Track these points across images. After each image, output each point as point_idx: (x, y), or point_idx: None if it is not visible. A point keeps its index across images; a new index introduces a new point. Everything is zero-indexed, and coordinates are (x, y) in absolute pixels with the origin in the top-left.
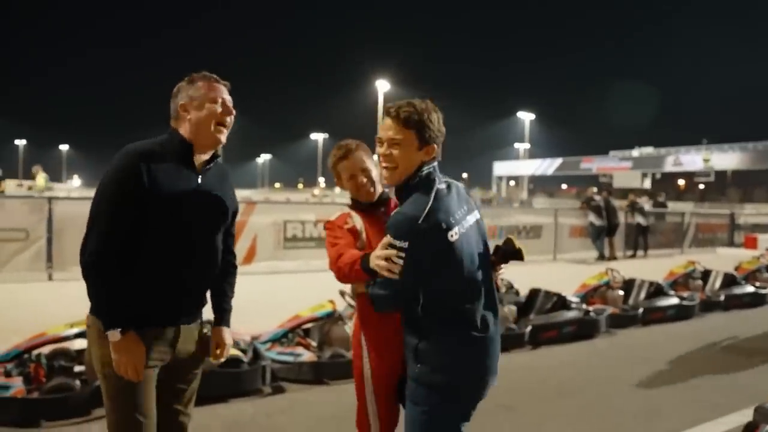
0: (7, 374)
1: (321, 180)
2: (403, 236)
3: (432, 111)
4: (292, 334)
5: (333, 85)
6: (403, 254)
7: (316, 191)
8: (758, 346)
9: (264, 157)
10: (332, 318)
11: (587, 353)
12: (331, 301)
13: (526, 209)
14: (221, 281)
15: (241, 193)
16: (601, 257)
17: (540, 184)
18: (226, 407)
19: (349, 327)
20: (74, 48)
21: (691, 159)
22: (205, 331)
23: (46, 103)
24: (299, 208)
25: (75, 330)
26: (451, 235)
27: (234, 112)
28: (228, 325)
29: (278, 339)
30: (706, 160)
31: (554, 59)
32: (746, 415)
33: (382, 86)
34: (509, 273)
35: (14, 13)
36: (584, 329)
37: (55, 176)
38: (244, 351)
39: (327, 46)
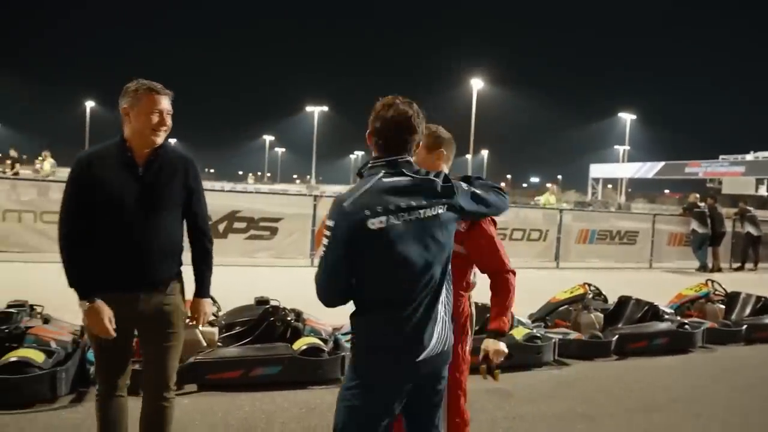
0: None
1: None
2: (331, 216)
3: (372, 109)
4: None
5: (427, 83)
6: (329, 233)
7: None
8: None
9: (357, 154)
10: None
11: (679, 368)
12: None
13: (622, 214)
14: (194, 257)
15: (332, 189)
16: (703, 268)
17: (639, 188)
18: (306, 393)
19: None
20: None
21: None
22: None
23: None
24: None
25: None
26: (372, 223)
27: (168, 123)
28: (205, 296)
29: None
30: None
31: (658, 56)
32: None
33: (477, 84)
34: (597, 279)
35: None
36: (677, 342)
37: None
38: (325, 341)
39: (420, 44)
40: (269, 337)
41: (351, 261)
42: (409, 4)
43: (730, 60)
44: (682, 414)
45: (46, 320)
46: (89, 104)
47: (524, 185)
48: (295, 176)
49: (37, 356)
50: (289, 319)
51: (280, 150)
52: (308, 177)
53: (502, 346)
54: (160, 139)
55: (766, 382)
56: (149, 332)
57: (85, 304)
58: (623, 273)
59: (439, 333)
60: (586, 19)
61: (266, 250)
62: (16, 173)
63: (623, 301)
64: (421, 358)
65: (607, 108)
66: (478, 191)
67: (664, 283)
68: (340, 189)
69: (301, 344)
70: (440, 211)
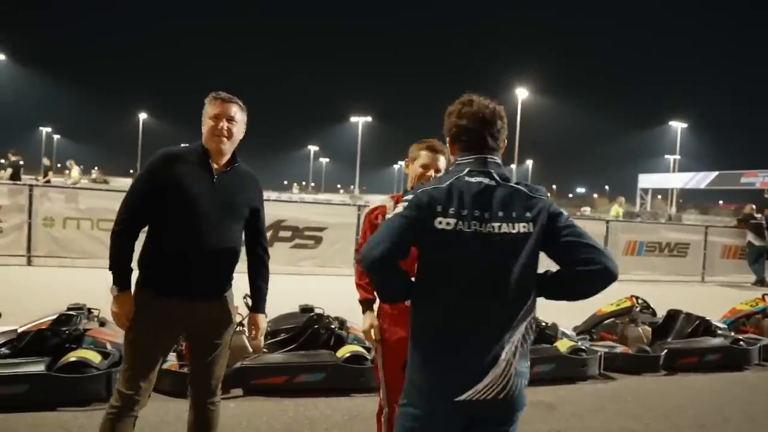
0: None
1: None
2: (406, 201)
3: (448, 113)
4: None
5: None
6: (405, 203)
7: None
8: None
9: (400, 164)
10: None
11: (732, 387)
12: None
13: (672, 225)
14: (253, 273)
15: (376, 198)
16: (761, 282)
17: (691, 199)
18: (348, 400)
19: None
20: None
21: None
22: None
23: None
24: None
25: None
26: (440, 222)
27: (226, 127)
28: (261, 312)
29: None
30: None
31: (712, 61)
32: None
33: (521, 94)
34: (645, 292)
35: None
36: (731, 359)
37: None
38: (368, 349)
39: (463, 54)
40: (313, 344)
41: (412, 242)
42: (447, 14)
43: None
44: None
45: (102, 323)
46: (142, 116)
47: (570, 195)
48: (339, 186)
49: (94, 357)
50: (332, 326)
51: (324, 160)
52: (351, 187)
53: None
54: (224, 145)
55: None
56: (201, 340)
57: (115, 290)
58: (673, 286)
59: (496, 377)
60: (634, 22)
61: (311, 258)
62: (48, 181)
63: (673, 315)
64: (462, 398)
65: (656, 116)
66: (568, 217)
67: (716, 297)
68: (383, 198)
69: (344, 352)
70: (522, 230)
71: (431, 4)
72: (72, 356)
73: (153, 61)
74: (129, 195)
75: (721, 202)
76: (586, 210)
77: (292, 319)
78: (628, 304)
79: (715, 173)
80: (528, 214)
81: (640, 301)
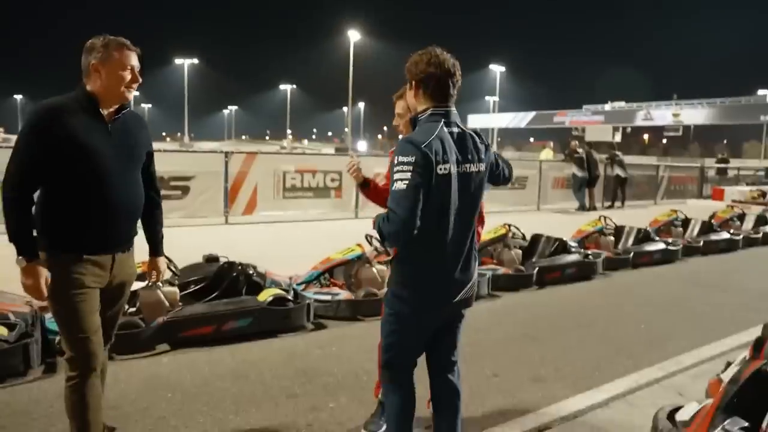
0: None
1: (289, 132)
2: (408, 153)
3: (414, 57)
4: (324, 275)
5: (303, 35)
6: (409, 167)
7: (285, 143)
8: (737, 283)
9: (231, 109)
10: (361, 260)
11: (589, 292)
12: (359, 245)
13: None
14: (149, 216)
15: (208, 145)
16: (582, 207)
17: (508, 137)
18: (280, 341)
19: (376, 269)
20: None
21: (662, 114)
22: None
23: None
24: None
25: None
26: (440, 169)
27: (140, 79)
28: (162, 254)
29: (312, 281)
30: (675, 115)
31: (529, 12)
32: (751, 334)
33: (353, 36)
34: (494, 222)
35: None
36: (584, 271)
37: (12, 128)
38: (286, 291)
39: None
40: (232, 291)
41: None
42: None
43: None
44: (606, 326)
45: None
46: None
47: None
48: (164, 133)
49: (1, 330)
50: (250, 272)
51: (146, 106)
52: (179, 134)
53: None
54: (131, 96)
55: (656, 294)
56: (114, 292)
57: (22, 261)
58: (518, 215)
59: (473, 277)
60: None
61: (177, 210)
62: None
63: (536, 238)
64: (458, 298)
65: (478, 59)
66: (501, 157)
67: (551, 221)
68: (215, 145)
69: (266, 296)
70: (481, 168)
71: None
72: None
73: None
74: (17, 156)
75: (532, 139)
76: None
77: (200, 270)
78: (503, 231)
79: (532, 113)
80: (482, 156)
81: (513, 229)
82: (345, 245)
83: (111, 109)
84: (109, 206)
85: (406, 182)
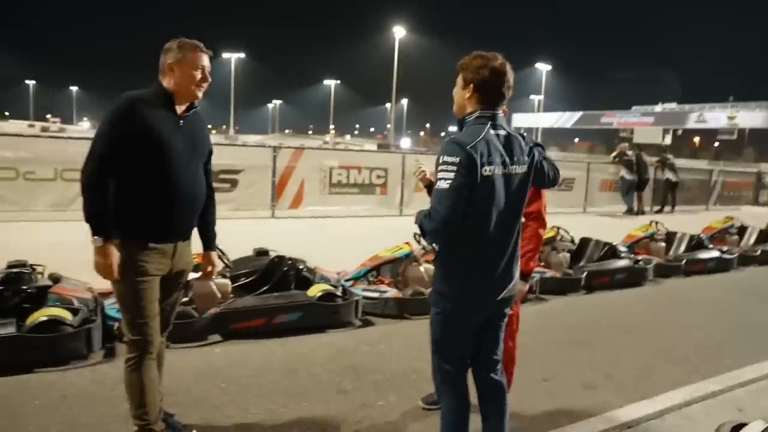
0: None
1: (332, 127)
2: (452, 153)
3: (471, 58)
4: (372, 272)
5: (348, 31)
6: (453, 167)
7: (328, 138)
8: None
9: (275, 103)
10: (409, 258)
11: (638, 298)
12: (408, 243)
13: (560, 162)
14: (204, 210)
15: (252, 138)
16: (630, 211)
17: (552, 137)
18: (328, 336)
19: (423, 267)
20: None
21: (716, 116)
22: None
23: (56, 43)
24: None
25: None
26: (485, 170)
27: (210, 79)
28: (215, 249)
29: (360, 277)
30: (731, 118)
31: (578, 9)
32: None
33: (399, 32)
34: (558, 221)
35: None
36: (634, 277)
37: (66, 118)
38: (335, 287)
39: None
40: (282, 285)
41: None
42: None
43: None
44: (657, 333)
45: (57, 279)
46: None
47: (442, 134)
48: (210, 126)
49: (66, 314)
50: (300, 267)
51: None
52: (224, 127)
53: (525, 287)
54: (200, 94)
55: (710, 303)
56: (174, 281)
57: (98, 240)
58: (563, 217)
59: (515, 276)
60: None
61: (226, 203)
62: None
63: (584, 242)
64: (502, 296)
65: (524, 58)
66: (548, 159)
67: (598, 224)
68: (260, 138)
69: (315, 291)
70: (525, 169)
71: None
72: (41, 315)
73: None
74: (98, 143)
75: (576, 140)
76: None
77: (250, 263)
78: (551, 234)
79: (579, 113)
80: (526, 158)
81: (561, 231)
82: (389, 242)
83: (182, 107)
84: (177, 196)
85: (449, 182)
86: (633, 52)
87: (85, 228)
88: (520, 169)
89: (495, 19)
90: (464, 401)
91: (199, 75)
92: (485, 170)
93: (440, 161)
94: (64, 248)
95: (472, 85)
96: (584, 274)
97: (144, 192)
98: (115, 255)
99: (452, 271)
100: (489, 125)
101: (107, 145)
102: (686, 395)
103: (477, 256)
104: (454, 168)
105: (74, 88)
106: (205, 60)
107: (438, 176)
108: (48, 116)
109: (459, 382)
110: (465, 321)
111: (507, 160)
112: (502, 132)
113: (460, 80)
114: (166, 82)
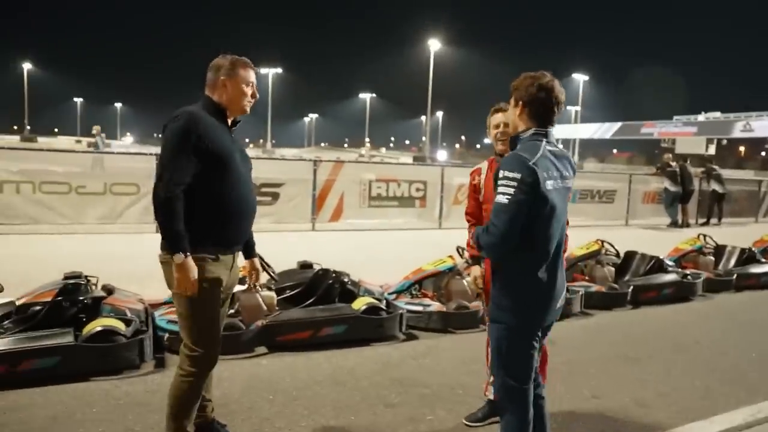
0: None
1: (367, 140)
2: (515, 169)
3: (523, 78)
4: (415, 286)
5: (383, 44)
6: (514, 183)
7: (363, 151)
8: None
9: (311, 116)
10: (452, 272)
11: (688, 313)
12: (451, 257)
13: (600, 174)
14: None
15: (289, 152)
16: (674, 224)
17: (590, 148)
18: (373, 350)
19: (467, 281)
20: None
21: (763, 125)
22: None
23: (102, 61)
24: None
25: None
26: (547, 185)
27: (258, 95)
28: (257, 255)
29: (403, 291)
30: None
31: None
32: None
33: (434, 45)
34: (580, 236)
35: None
36: (682, 292)
37: (110, 133)
38: (379, 300)
39: (378, 3)
40: (326, 298)
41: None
42: None
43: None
44: (709, 351)
45: (110, 290)
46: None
47: (477, 146)
48: (247, 140)
49: (120, 325)
50: (345, 280)
51: None
52: (260, 140)
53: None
54: (248, 108)
55: (765, 321)
56: (226, 292)
57: (181, 257)
58: (605, 230)
59: (565, 287)
60: None
61: (268, 216)
62: None
63: (630, 255)
64: (558, 306)
65: (560, 68)
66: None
67: (642, 237)
68: (297, 152)
69: (360, 304)
70: (571, 184)
71: None
72: (97, 325)
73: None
74: (170, 158)
75: (615, 150)
76: None
77: (295, 276)
78: (596, 247)
79: (618, 124)
80: (571, 173)
81: (606, 245)
82: (430, 255)
83: (230, 120)
84: (240, 206)
85: (509, 197)
86: (674, 58)
87: (131, 240)
88: (569, 183)
89: (532, 32)
90: (527, 422)
91: (249, 90)
92: (547, 185)
93: (501, 176)
94: (112, 259)
95: (521, 103)
96: (630, 288)
97: (212, 203)
98: (195, 270)
99: (518, 283)
100: (544, 142)
101: (178, 160)
102: (748, 416)
103: (543, 267)
104: (515, 183)
105: (118, 105)
106: (253, 76)
107: (498, 191)
108: (94, 131)
109: (525, 399)
110: (531, 333)
111: (559, 174)
112: (554, 148)
113: (512, 101)
114: (217, 97)
